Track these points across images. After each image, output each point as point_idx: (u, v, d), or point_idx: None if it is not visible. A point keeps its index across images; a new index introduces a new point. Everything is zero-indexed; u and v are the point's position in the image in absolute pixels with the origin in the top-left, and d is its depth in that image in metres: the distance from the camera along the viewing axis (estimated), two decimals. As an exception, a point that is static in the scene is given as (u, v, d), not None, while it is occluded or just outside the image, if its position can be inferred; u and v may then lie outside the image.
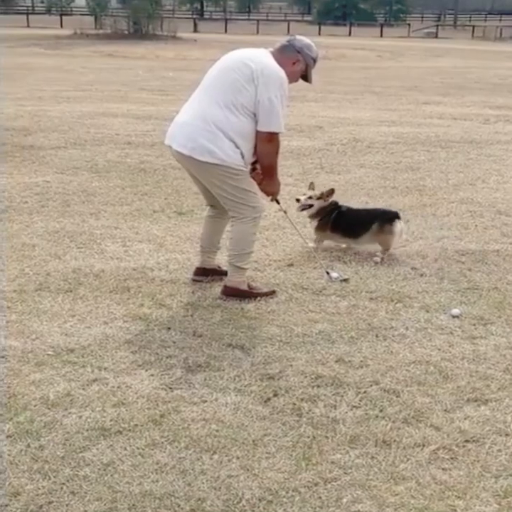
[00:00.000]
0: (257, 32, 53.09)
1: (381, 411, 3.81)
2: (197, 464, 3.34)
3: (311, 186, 6.47)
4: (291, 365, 4.27)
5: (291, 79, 5.05)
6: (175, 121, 5.14)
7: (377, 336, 4.71)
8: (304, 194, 6.38)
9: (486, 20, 79.16)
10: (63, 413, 3.71)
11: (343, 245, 6.40)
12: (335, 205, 6.42)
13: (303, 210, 6.37)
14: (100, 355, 4.34)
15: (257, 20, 62.27)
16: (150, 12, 44.41)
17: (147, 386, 4.00)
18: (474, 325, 4.93)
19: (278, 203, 5.57)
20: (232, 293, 5.22)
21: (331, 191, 6.44)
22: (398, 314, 5.07)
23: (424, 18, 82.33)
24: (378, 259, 6.06)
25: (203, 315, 4.95)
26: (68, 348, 4.42)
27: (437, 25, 67.04)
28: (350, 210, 6.50)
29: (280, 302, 5.20)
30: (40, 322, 4.79)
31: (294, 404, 3.86)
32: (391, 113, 14.95)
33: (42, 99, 15.77)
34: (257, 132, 4.91)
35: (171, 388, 3.99)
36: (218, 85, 4.94)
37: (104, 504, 3.06)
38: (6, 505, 3.03)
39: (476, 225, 7.20)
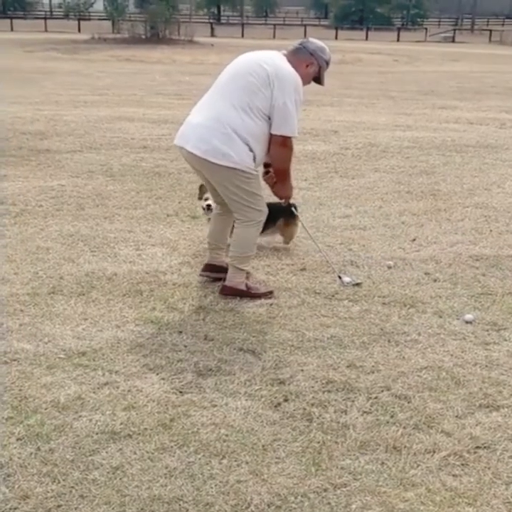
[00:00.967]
0: (274, 36, 53.16)
1: (392, 417, 3.79)
2: (206, 469, 3.33)
3: (203, 189, 6.06)
4: (302, 370, 4.26)
5: (304, 81, 5.05)
6: (187, 122, 5.12)
7: (389, 341, 4.69)
8: (207, 199, 6.02)
9: (503, 24, 78.84)
10: (73, 416, 3.72)
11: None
12: None
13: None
14: (111, 359, 4.35)
15: (274, 25, 62.35)
16: (167, 17, 44.53)
17: (158, 390, 4.00)
18: (487, 331, 4.89)
19: (290, 206, 5.57)
20: (231, 292, 5.26)
21: None
22: (411, 319, 5.04)
23: (441, 23, 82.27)
24: (391, 264, 6.04)
25: (215, 319, 4.95)
26: (80, 351, 4.43)
27: (454, 30, 66.87)
28: None
29: (292, 306, 5.19)
30: (53, 325, 4.80)
31: (305, 409, 3.85)
32: (407, 117, 14.91)
33: (59, 103, 15.84)
34: (271, 136, 4.92)
35: (181, 392, 3.99)
36: (233, 87, 4.93)
37: (113, 508, 3.06)
38: (15, 509, 3.03)
39: (491, 230, 7.16)
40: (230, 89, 4.95)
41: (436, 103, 17.56)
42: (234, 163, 4.88)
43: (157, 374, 4.18)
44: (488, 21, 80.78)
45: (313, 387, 4.08)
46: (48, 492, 3.13)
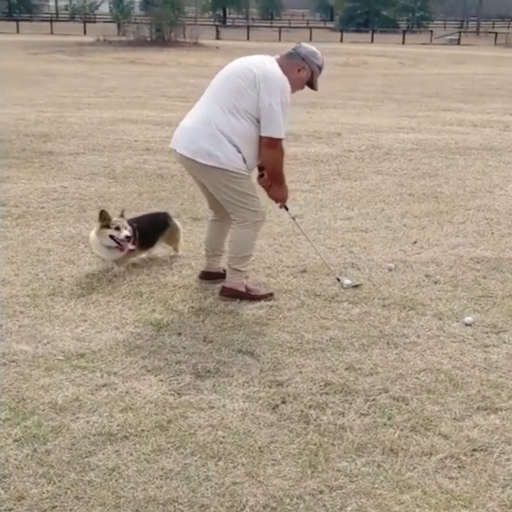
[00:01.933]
0: (279, 39, 53.11)
1: (389, 419, 3.79)
2: (202, 470, 3.33)
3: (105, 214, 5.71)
4: (300, 372, 4.26)
5: (297, 86, 5.09)
6: (180, 126, 5.22)
7: (388, 344, 4.69)
8: (115, 226, 5.64)
9: (509, 26, 78.68)
10: (71, 418, 3.72)
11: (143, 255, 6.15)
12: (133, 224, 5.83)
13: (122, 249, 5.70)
14: (110, 360, 4.35)
15: (279, 28, 62.27)
16: (172, 19, 44.58)
17: (155, 391, 4.00)
18: (487, 333, 4.89)
19: (286, 209, 5.57)
20: (230, 294, 5.27)
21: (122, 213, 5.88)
22: (410, 322, 5.04)
23: (446, 25, 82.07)
24: (392, 266, 6.04)
25: (214, 321, 4.95)
26: (78, 353, 4.44)
27: (460, 32, 66.71)
28: (139, 222, 5.92)
29: (292, 308, 5.19)
30: (52, 327, 4.81)
31: (302, 411, 3.85)
32: (410, 120, 14.90)
33: (63, 105, 15.87)
34: (260, 138, 4.94)
35: (179, 394, 3.99)
36: (222, 90, 5.01)
37: (108, 509, 3.06)
38: (10, 510, 3.04)
39: (493, 233, 7.15)
40: (219, 92, 5.03)
41: (441, 105, 17.54)
42: (221, 164, 4.92)
43: (155, 375, 4.19)
44: (493, 24, 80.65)
45: (311, 389, 4.07)
46: (44, 493, 3.14)
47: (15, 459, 3.36)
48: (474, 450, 3.54)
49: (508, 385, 4.18)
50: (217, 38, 52.23)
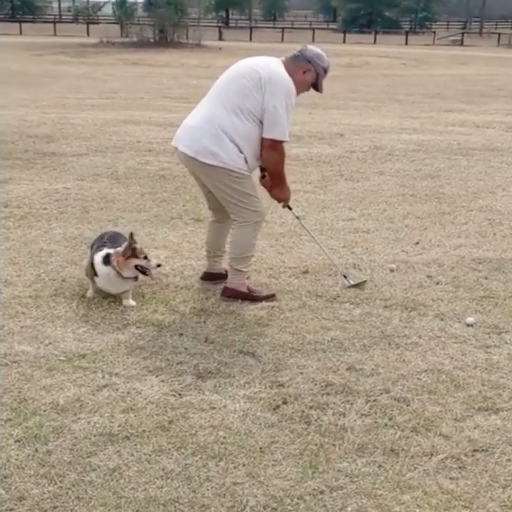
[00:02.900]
0: (282, 40, 53.13)
1: (390, 419, 3.79)
2: (203, 471, 3.34)
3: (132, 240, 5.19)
4: (301, 373, 4.26)
5: (302, 88, 5.09)
6: (183, 124, 5.23)
7: (389, 344, 4.69)
8: (143, 255, 5.22)
9: (512, 27, 78.70)
10: (72, 418, 3.73)
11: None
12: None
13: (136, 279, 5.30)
14: (111, 361, 4.36)
15: (282, 29, 62.36)
16: (175, 20, 44.61)
17: (157, 392, 4.00)
18: (488, 334, 4.89)
19: (290, 208, 5.58)
20: (232, 294, 5.28)
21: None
22: (412, 322, 5.04)
23: (449, 26, 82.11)
24: (394, 267, 6.04)
25: (216, 321, 4.96)
26: (80, 354, 4.44)
27: (463, 33, 66.74)
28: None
29: (293, 309, 5.20)
30: (54, 328, 4.81)
31: (303, 411, 3.85)
32: (413, 120, 14.89)
33: (66, 106, 15.89)
34: (262, 139, 4.95)
35: (180, 394, 4.00)
36: (227, 90, 5.01)
37: (109, 509, 3.06)
38: (11, 510, 3.05)
39: (495, 233, 7.14)
40: (224, 92, 5.03)
41: (443, 106, 17.53)
42: (223, 163, 4.93)
43: (157, 376, 4.19)
44: (496, 24, 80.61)
45: (312, 389, 4.08)
46: (45, 493, 3.14)
47: (16, 459, 3.37)
48: (475, 451, 3.54)
49: (510, 385, 4.18)
50: (220, 39, 52.26)
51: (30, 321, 4.91)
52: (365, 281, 5.67)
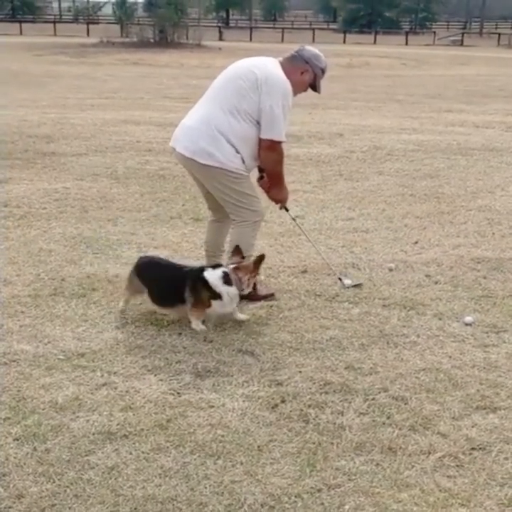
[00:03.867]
0: (282, 40, 53.11)
1: (388, 418, 3.80)
2: (201, 469, 3.34)
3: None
4: (300, 372, 4.27)
5: (300, 88, 5.10)
6: (181, 124, 5.25)
7: (388, 343, 4.69)
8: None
9: (512, 27, 78.69)
10: (71, 417, 3.74)
11: None
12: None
13: None
14: (110, 360, 4.37)
15: (282, 29, 62.35)
16: (175, 20, 44.59)
17: (155, 391, 4.01)
18: (487, 333, 4.89)
19: (287, 210, 5.59)
20: None
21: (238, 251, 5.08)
22: (410, 321, 5.05)
23: (449, 26, 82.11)
24: (393, 266, 6.05)
25: (215, 320, 4.96)
26: (79, 353, 4.45)
27: (463, 33, 66.74)
28: None
29: (292, 308, 5.20)
30: (53, 327, 4.82)
31: (301, 410, 3.86)
32: (412, 121, 14.90)
33: (66, 106, 15.91)
34: (260, 140, 4.96)
35: (179, 393, 4.00)
36: (224, 91, 5.03)
37: (107, 507, 3.07)
38: (10, 508, 3.05)
39: (494, 233, 7.15)
40: (220, 93, 5.05)
41: (443, 106, 17.54)
42: (220, 163, 4.94)
43: (155, 375, 4.20)
44: (496, 24, 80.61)
45: (310, 388, 4.08)
46: (43, 491, 3.15)
47: (15, 458, 3.38)
48: (473, 449, 3.54)
49: (507, 384, 4.19)
50: (220, 39, 52.25)
51: (30, 320, 4.92)
52: (361, 284, 5.66)
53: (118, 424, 3.67)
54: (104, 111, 15.37)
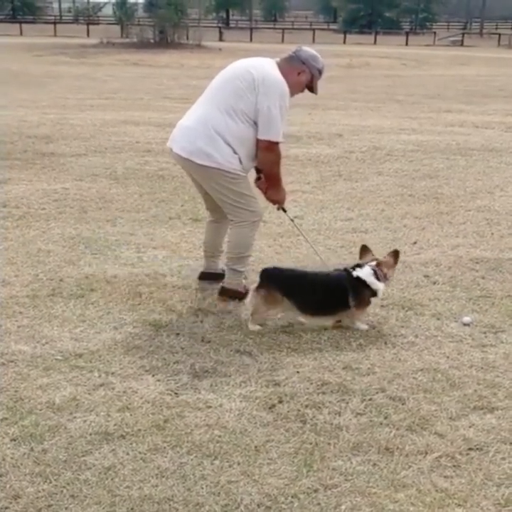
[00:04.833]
0: (282, 41, 53.09)
1: (386, 418, 3.80)
2: (198, 469, 3.34)
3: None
4: (297, 372, 4.27)
5: (297, 89, 5.10)
6: (178, 124, 5.26)
7: (386, 344, 4.69)
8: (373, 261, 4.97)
9: (512, 28, 78.66)
10: (68, 417, 3.74)
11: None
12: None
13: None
14: (108, 360, 4.37)
15: (283, 29, 62.36)
16: (176, 21, 44.57)
17: (153, 391, 4.01)
18: (485, 333, 4.89)
19: (284, 211, 5.57)
20: (229, 294, 5.28)
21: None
22: (409, 322, 5.05)
23: (450, 26, 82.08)
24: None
25: (213, 321, 4.96)
26: (77, 353, 4.45)
27: (463, 33, 66.75)
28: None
29: (290, 309, 5.19)
30: (51, 327, 4.82)
31: (299, 410, 3.86)
32: (412, 121, 14.90)
33: (65, 107, 15.92)
34: (258, 140, 4.96)
35: (176, 394, 4.00)
36: (221, 92, 5.03)
37: (103, 508, 3.07)
38: (6, 508, 3.05)
39: (493, 233, 7.15)
40: (218, 93, 5.06)
41: (443, 107, 17.54)
42: (217, 164, 4.94)
43: (153, 375, 4.20)
44: (497, 25, 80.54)
45: (308, 388, 4.08)
46: (39, 492, 3.15)
47: (11, 458, 3.38)
48: (470, 449, 3.54)
49: (505, 384, 4.19)
50: (221, 39, 52.24)
51: (27, 320, 4.92)
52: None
53: (115, 425, 3.67)
54: (103, 111, 15.38)
